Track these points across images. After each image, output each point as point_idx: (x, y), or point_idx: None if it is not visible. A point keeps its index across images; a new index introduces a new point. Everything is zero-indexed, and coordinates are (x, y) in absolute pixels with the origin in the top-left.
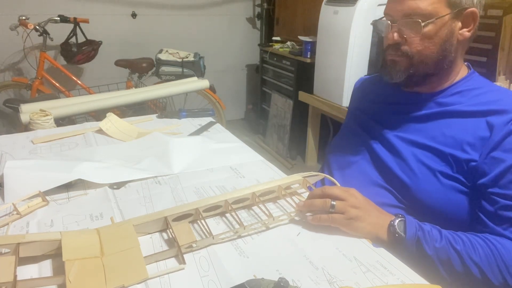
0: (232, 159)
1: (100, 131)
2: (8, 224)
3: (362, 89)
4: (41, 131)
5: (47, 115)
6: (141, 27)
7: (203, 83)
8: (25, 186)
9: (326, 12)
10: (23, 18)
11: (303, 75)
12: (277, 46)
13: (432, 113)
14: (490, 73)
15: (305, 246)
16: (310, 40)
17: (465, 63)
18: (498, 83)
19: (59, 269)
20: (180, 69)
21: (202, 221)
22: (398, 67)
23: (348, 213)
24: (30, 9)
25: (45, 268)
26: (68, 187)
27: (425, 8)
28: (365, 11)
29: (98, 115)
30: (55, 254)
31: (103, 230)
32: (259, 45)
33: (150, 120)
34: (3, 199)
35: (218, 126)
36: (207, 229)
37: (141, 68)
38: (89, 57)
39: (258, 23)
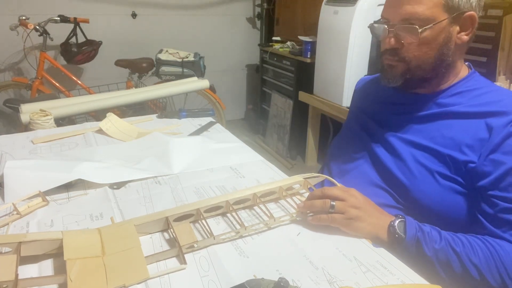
0: (232, 159)
1: (100, 131)
2: (8, 224)
3: (363, 90)
4: (41, 131)
5: (47, 115)
6: (141, 27)
7: (203, 83)
8: (25, 186)
9: (326, 12)
10: (23, 18)
11: (303, 75)
12: (277, 46)
13: (432, 113)
14: (490, 73)
15: (305, 246)
16: (310, 40)
17: (466, 63)
18: (498, 83)
19: (60, 269)
20: (180, 69)
21: (203, 221)
22: (395, 71)
23: (348, 213)
24: (30, 9)
25: (46, 267)
26: (68, 187)
27: (422, 13)
28: (365, 11)
29: (98, 115)
30: (56, 253)
31: (104, 229)
32: (259, 45)
33: (150, 120)
34: (3, 199)
35: (218, 126)
36: (208, 230)
37: (141, 68)
38: (89, 57)
39: (258, 23)
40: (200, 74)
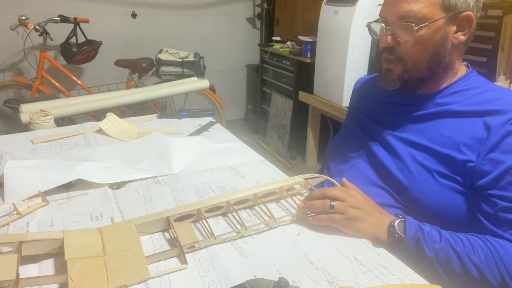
0: (232, 159)
1: (100, 131)
2: (8, 224)
3: (362, 89)
4: (41, 131)
5: (47, 115)
6: (141, 27)
7: (203, 83)
8: (25, 186)
9: (326, 12)
10: (23, 18)
11: (303, 75)
12: (277, 46)
13: (430, 113)
14: (490, 73)
15: (305, 246)
16: (310, 40)
17: (464, 63)
18: (498, 83)
19: (61, 268)
20: (180, 69)
21: (204, 221)
22: (392, 76)
23: (348, 213)
24: (30, 9)
25: (46, 267)
26: (68, 187)
27: (419, 11)
28: (365, 11)
29: (98, 115)
30: (57, 253)
31: (105, 229)
32: (259, 45)
33: (150, 120)
34: (3, 199)
35: (218, 126)
36: (209, 230)
37: (141, 68)
38: (89, 57)
39: (258, 23)
40: (200, 74)
